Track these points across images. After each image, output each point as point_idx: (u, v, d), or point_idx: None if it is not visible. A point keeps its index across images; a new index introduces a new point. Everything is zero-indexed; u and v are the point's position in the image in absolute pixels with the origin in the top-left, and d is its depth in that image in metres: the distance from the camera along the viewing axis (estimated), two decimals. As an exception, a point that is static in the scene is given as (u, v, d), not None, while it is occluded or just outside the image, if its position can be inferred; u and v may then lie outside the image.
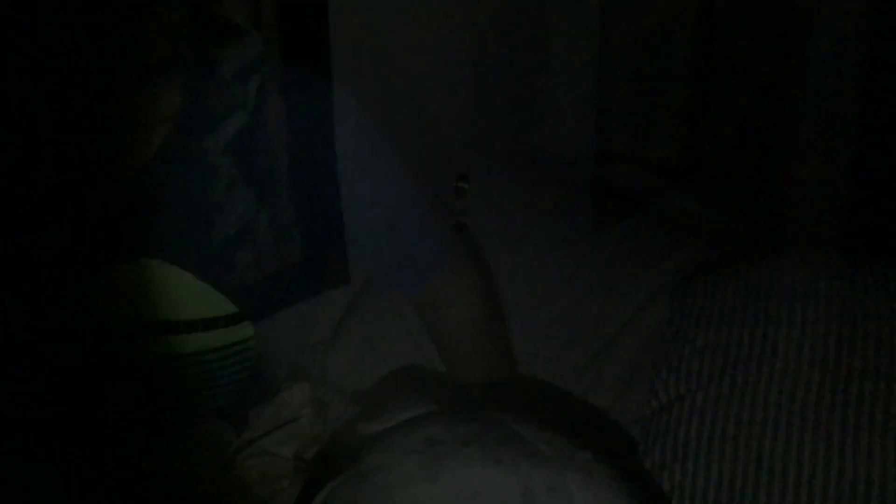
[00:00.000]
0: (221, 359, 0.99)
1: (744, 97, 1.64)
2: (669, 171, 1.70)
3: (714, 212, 1.55)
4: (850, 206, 1.63)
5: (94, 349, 0.94)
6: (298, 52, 1.06)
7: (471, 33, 1.28)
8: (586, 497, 0.87)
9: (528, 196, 1.47)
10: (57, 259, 0.94)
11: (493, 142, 1.38)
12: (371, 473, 0.89)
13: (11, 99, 0.87)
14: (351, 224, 1.13)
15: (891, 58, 1.53)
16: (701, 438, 1.08)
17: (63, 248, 0.94)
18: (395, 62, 1.19)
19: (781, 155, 1.61)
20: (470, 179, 1.33)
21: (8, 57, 0.83)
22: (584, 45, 1.49)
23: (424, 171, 1.28)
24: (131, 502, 0.95)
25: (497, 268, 1.35)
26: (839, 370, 1.07)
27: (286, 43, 1.04)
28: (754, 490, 1.04)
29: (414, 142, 1.26)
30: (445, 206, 1.32)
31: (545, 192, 1.50)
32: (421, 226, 1.19)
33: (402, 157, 1.23)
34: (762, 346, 1.11)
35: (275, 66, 1.03)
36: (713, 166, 1.70)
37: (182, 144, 0.97)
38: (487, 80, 1.34)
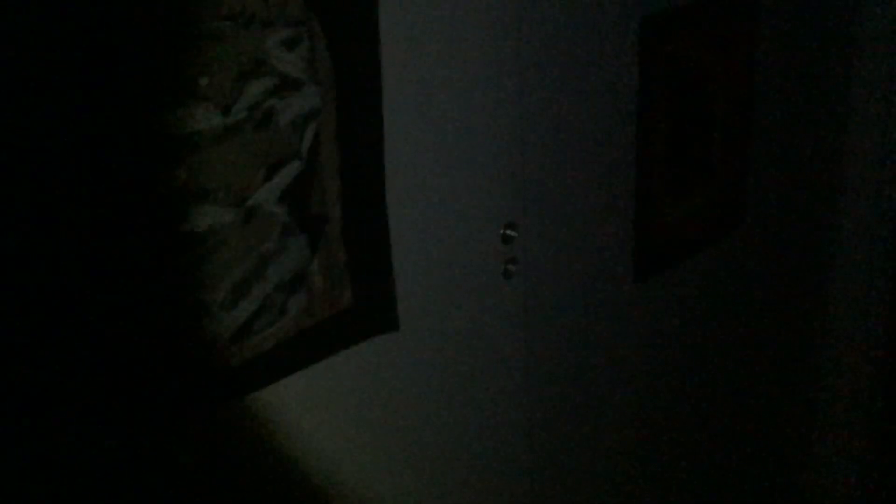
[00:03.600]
0: None
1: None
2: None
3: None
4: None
5: None
6: (353, 104, 1.09)
7: (518, 81, 1.31)
8: None
9: (573, 244, 1.48)
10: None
11: (540, 190, 1.39)
12: None
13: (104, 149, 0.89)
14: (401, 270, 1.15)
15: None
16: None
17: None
18: (446, 113, 1.22)
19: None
20: (518, 227, 1.35)
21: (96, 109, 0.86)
22: (625, 94, 1.51)
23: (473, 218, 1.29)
24: None
25: (542, 314, 1.36)
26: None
27: (341, 95, 1.07)
28: None
29: (463, 190, 1.28)
30: (492, 254, 1.33)
31: (590, 241, 1.51)
32: None
33: (452, 205, 1.25)
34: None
35: (330, 116, 1.06)
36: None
37: (239, 193, 0.99)
38: (535, 129, 1.36)
